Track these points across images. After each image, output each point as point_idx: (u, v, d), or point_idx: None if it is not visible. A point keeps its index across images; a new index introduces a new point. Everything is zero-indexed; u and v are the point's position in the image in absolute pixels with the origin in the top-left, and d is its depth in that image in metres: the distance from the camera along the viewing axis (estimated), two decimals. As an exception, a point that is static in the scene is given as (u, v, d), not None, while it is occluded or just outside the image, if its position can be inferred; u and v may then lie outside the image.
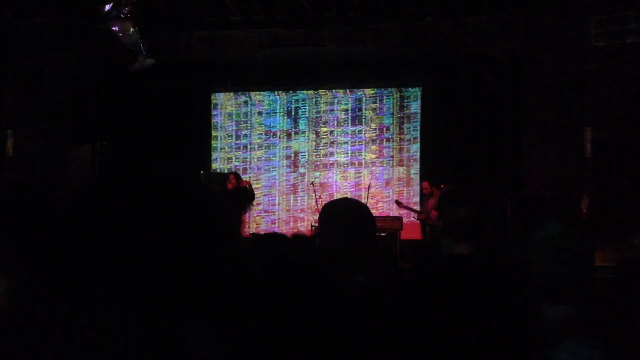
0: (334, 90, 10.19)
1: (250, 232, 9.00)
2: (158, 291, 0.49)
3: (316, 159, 10.19)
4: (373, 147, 10.06)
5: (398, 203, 9.31)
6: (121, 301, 0.48)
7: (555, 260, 1.35)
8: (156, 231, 0.51)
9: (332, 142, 10.18)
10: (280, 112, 10.36)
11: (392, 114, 10.03)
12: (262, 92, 10.39)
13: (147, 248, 0.50)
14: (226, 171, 9.78)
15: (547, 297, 1.35)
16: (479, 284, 1.60)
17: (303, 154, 10.24)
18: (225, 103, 10.52)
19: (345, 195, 9.58)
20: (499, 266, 1.77)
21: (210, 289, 0.52)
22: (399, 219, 8.39)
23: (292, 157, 10.27)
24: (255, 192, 10.16)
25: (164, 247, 0.51)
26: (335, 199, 1.91)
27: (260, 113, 10.41)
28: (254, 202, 8.07)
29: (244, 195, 7.75)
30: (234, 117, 10.49)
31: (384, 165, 10.01)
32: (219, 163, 10.40)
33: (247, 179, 9.23)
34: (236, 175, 7.88)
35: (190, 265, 0.51)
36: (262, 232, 9.07)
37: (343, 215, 1.67)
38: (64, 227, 0.53)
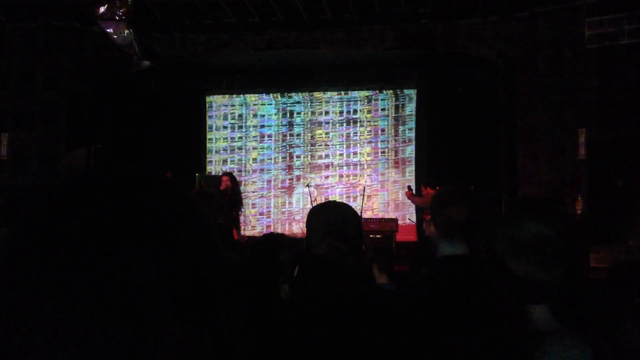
0: (328, 93, 10.20)
1: (246, 235, 8.96)
2: (127, 294, 0.47)
3: (311, 161, 10.19)
4: (368, 149, 10.06)
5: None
6: (87, 304, 0.46)
7: (528, 263, 1.34)
8: (125, 231, 0.50)
9: (327, 144, 10.17)
10: (275, 115, 10.35)
11: (387, 116, 10.04)
12: (257, 95, 10.38)
13: (114, 248, 0.49)
14: (221, 174, 9.74)
15: (521, 298, 1.34)
16: (473, 285, 1.60)
17: (298, 156, 10.24)
18: (220, 105, 10.51)
19: (341, 198, 9.59)
20: (488, 267, 1.76)
21: (183, 292, 0.50)
22: (394, 220, 8.38)
23: (287, 159, 10.26)
24: (251, 194, 10.16)
25: (132, 248, 0.49)
26: (321, 202, 1.90)
27: (255, 115, 10.40)
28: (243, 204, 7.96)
29: (236, 197, 7.69)
30: (229, 120, 10.48)
31: (379, 167, 10.01)
32: (214, 165, 10.38)
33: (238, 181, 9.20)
34: (231, 177, 7.80)
35: (162, 267, 0.50)
36: (258, 235, 9.04)
37: (328, 221, 1.65)
38: (36, 227, 0.51)
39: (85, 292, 0.47)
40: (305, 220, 1.89)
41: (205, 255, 0.54)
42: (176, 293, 0.49)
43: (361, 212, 8.18)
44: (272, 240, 2.46)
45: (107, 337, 0.46)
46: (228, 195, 7.32)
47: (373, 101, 10.09)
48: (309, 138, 10.22)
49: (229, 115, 10.48)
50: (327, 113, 10.21)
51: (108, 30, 6.14)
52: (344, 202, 1.86)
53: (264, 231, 9.84)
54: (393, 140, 9.99)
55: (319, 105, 10.24)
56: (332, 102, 10.20)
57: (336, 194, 9.90)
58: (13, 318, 0.47)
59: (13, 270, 0.49)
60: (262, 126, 10.38)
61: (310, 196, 9.07)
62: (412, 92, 9.94)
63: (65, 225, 0.50)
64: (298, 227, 9.76)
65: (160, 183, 0.57)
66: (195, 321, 0.50)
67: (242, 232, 8.89)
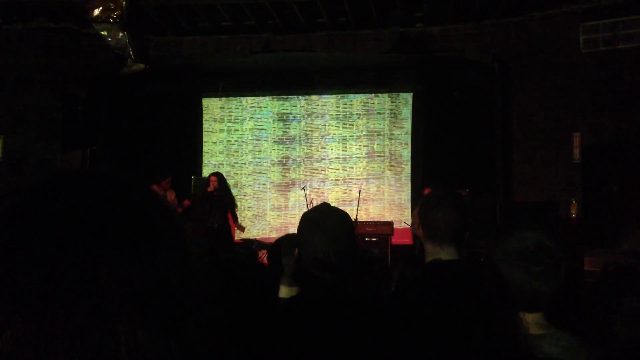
0: (325, 96, 10.20)
1: (241, 238, 8.95)
2: (92, 299, 0.47)
3: (307, 164, 10.19)
4: (364, 151, 10.07)
5: None
6: (51, 308, 0.46)
7: (526, 272, 1.33)
8: (92, 235, 0.49)
9: (323, 147, 10.17)
10: (271, 117, 10.35)
11: (383, 119, 10.04)
12: (253, 97, 10.38)
13: (80, 252, 0.48)
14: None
15: (515, 305, 1.35)
16: (460, 290, 1.60)
17: (294, 159, 10.23)
18: (216, 108, 10.50)
19: (336, 200, 9.58)
20: (482, 272, 1.76)
21: (149, 298, 0.49)
22: (389, 224, 8.38)
23: (283, 161, 10.26)
24: (246, 197, 10.14)
25: (98, 252, 0.48)
26: (313, 207, 1.89)
27: (251, 118, 10.40)
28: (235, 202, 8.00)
29: (227, 195, 7.70)
30: (225, 122, 10.47)
31: (375, 170, 10.02)
32: (210, 168, 10.36)
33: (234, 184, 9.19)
34: (220, 177, 7.78)
35: (129, 273, 0.49)
36: (252, 238, 9.02)
37: (321, 225, 1.65)
38: (1, 228, 0.51)
39: (49, 296, 0.46)
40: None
41: (176, 261, 0.53)
42: (142, 299, 0.49)
43: (356, 215, 8.19)
44: (286, 242, 2.47)
45: (71, 342, 0.45)
46: (215, 196, 7.33)
47: (369, 104, 10.09)
48: (305, 141, 10.22)
49: (225, 118, 10.47)
50: (323, 116, 10.21)
51: (102, 32, 6.14)
52: (340, 208, 1.79)
53: (259, 234, 9.83)
54: (389, 144, 10.00)
55: (315, 108, 10.24)
56: (329, 104, 10.20)
57: (332, 197, 9.90)
58: None
59: None
60: (258, 129, 10.37)
61: (307, 199, 9.07)
62: (408, 96, 9.96)
63: (31, 227, 0.49)
64: (293, 231, 9.73)
65: (131, 186, 0.56)
66: (161, 328, 0.49)
67: (237, 236, 8.89)
